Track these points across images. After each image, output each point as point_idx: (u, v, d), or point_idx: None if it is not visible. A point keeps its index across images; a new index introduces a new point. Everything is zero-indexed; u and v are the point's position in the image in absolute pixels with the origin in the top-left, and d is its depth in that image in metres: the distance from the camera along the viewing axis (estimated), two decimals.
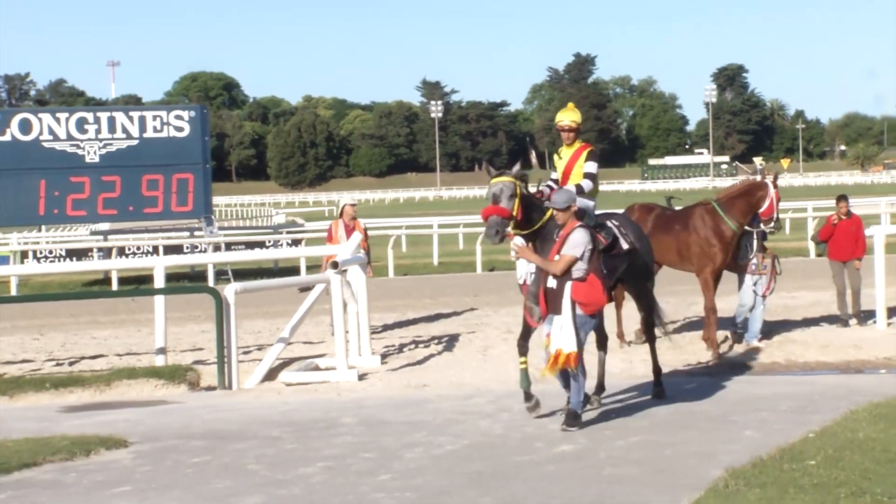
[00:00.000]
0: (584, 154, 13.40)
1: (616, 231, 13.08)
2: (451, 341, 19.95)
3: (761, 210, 17.88)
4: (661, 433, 11.73)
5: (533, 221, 12.41)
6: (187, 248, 40.50)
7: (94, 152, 33.84)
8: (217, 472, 10.65)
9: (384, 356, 18.31)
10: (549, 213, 12.32)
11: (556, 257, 11.81)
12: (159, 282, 19.07)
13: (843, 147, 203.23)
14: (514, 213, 12.14)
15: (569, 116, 13.49)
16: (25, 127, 33.55)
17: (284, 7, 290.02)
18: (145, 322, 20.63)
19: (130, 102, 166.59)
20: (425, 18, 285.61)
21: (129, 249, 40.93)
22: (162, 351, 18.26)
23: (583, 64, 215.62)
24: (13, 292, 34.69)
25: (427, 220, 56.15)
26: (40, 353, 21.15)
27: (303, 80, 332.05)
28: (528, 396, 12.78)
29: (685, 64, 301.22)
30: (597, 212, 13.58)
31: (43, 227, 48.15)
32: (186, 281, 36.12)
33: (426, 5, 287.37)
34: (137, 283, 32.28)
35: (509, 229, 12.34)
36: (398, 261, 39.80)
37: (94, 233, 42.64)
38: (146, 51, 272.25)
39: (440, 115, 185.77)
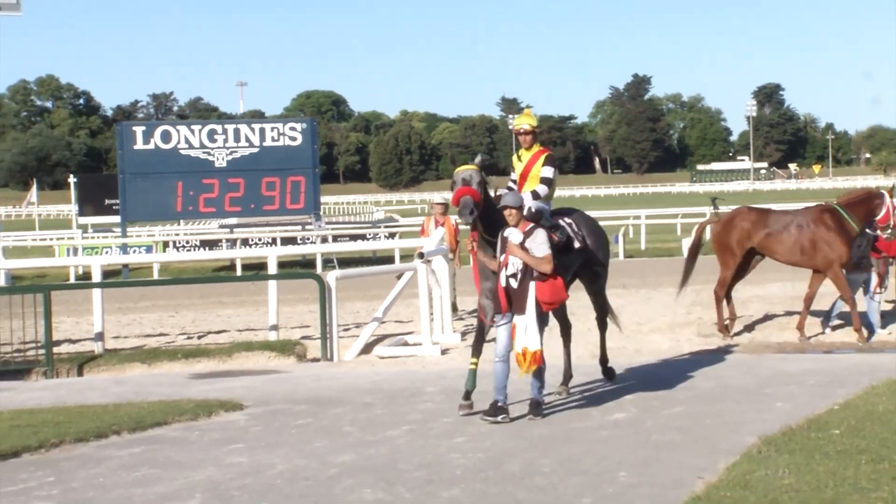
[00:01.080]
0: (542, 158, 12.23)
1: (569, 230, 12.10)
2: None
3: (878, 217, 17.44)
4: (701, 404, 11.59)
5: (495, 220, 11.26)
6: (300, 239, 40.71)
7: (223, 159, 34.42)
8: (317, 433, 10.71)
9: (463, 334, 18.28)
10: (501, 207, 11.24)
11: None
12: (272, 269, 19.35)
13: (867, 155, 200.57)
14: (482, 198, 11.16)
15: (526, 121, 12.37)
16: (166, 137, 34.27)
17: (386, 34, 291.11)
18: (261, 303, 20.73)
19: (255, 117, 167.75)
20: (505, 43, 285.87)
21: (251, 241, 41.25)
22: (274, 328, 18.37)
23: (640, 83, 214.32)
24: (155, 276, 35.03)
25: None
26: (175, 328, 21.38)
27: (400, 97, 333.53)
28: (468, 395, 11.53)
29: (729, 83, 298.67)
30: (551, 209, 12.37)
31: (180, 221, 48.66)
32: (298, 268, 36.30)
33: (506, 33, 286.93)
34: (257, 270, 32.41)
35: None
36: None
37: (222, 226, 43.02)
38: (269, 72, 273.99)
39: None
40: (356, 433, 10.59)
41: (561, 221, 12.09)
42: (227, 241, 40.24)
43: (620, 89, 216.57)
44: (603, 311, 13.39)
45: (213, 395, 12.98)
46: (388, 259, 35.95)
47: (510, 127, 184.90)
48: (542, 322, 10.95)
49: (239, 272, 34.87)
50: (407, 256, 31.32)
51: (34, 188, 67.40)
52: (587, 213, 13.71)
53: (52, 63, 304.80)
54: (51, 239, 49.51)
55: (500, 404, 10.92)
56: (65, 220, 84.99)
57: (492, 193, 11.66)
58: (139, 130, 35.02)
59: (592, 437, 10.14)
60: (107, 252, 36.17)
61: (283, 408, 12.16)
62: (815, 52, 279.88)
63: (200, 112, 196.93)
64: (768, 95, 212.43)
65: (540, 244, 10.82)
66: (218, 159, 34.50)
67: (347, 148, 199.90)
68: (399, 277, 18.77)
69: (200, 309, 24.59)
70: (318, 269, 33.48)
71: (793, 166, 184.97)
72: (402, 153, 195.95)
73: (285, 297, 19.97)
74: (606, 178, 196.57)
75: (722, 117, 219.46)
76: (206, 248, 39.82)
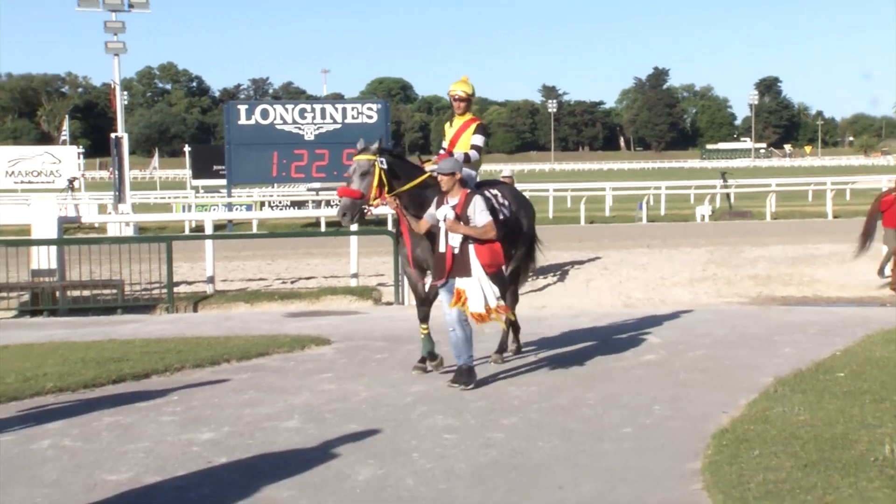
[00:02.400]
0: (473, 126, 10.49)
1: (494, 201, 10.18)
2: (562, 275, 19.66)
3: None
4: (720, 348, 11.32)
5: (416, 196, 9.78)
6: None
7: (311, 133, 34.67)
8: (393, 366, 10.57)
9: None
10: (422, 177, 9.85)
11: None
12: (353, 226, 19.19)
13: (851, 138, 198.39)
14: (369, 192, 9.52)
15: (461, 87, 10.54)
16: (265, 115, 34.63)
17: (446, 28, 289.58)
18: (343, 254, 20.62)
19: (336, 98, 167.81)
20: (547, 38, 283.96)
21: (333, 202, 41.15)
22: (355, 275, 18.29)
23: (659, 74, 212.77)
24: (254, 230, 35.13)
25: (543, 185, 55.45)
26: (271, 274, 21.36)
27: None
28: (433, 356, 10.25)
29: (735, 75, 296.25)
30: (477, 181, 10.61)
31: (275, 184, 48.71)
32: (374, 226, 36.23)
33: (548, 29, 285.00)
34: (338, 226, 32.35)
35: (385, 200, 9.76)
36: None
37: (309, 189, 42.86)
38: (348, 61, 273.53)
39: (554, 110, 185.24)
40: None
41: (486, 192, 10.22)
42: (314, 201, 40.13)
43: (643, 79, 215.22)
44: (515, 287, 11.20)
45: (305, 331, 12.87)
46: None
47: (548, 110, 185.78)
48: (498, 281, 9.44)
49: (323, 228, 34.83)
50: None
51: (156, 156, 67.97)
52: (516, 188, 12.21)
53: (171, 51, 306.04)
54: (169, 198, 49.84)
55: (465, 366, 9.47)
56: (180, 182, 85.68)
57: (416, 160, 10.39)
58: (243, 109, 35.36)
59: (628, 375, 9.93)
60: (214, 209, 36.31)
61: (364, 343, 12.03)
62: (808, 50, 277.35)
63: (291, 94, 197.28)
64: (768, 86, 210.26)
65: (480, 212, 9.28)
66: (307, 133, 34.74)
67: (412, 126, 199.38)
68: None
69: (292, 258, 24.57)
70: (389, 227, 33.38)
71: (787, 147, 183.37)
72: None
73: (363, 249, 19.84)
74: (630, 154, 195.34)
75: (728, 104, 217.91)
76: (296, 208, 39.70)
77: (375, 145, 9.78)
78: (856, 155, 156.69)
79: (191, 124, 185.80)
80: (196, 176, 48.97)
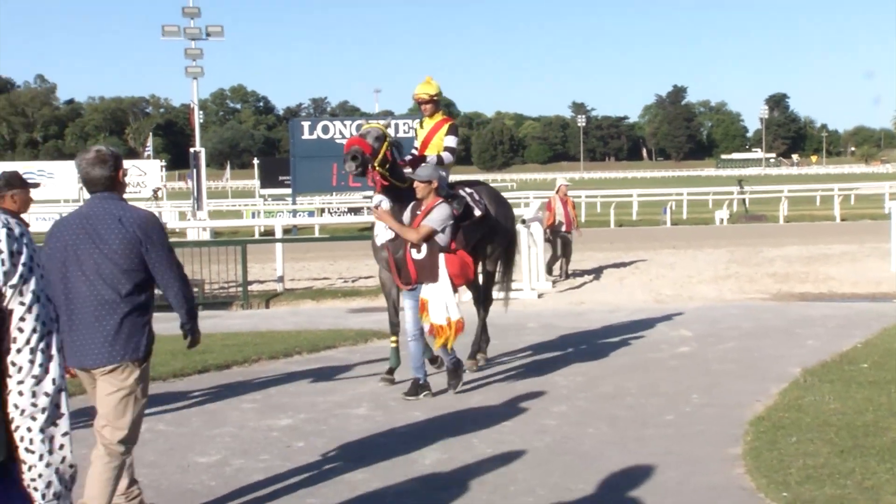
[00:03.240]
0: (446, 127, 9.46)
1: (469, 199, 9.21)
2: (598, 273, 19.36)
3: None
4: (747, 340, 11.06)
5: (400, 180, 8.71)
6: None
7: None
8: None
9: (554, 282, 17.85)
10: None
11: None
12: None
13: (853, 148, 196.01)
14: (381, 153, 8.51)
15: (423, 90, 9.43)
16: (325, 130, 34.60)
17: (484, 51, 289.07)
18: None
19: (388, 114, 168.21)
20: (577, 59, 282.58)
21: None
22: None
23: (678, 91, 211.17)
24: (316, 234, 35.11)
25: (575, 192, 54.91)
26: (334, 273, 21.25)
27: (495, 100, 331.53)
28: (390, 371, 9.10)
29: (747, 92, 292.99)
30: (452, 180, 9.74)
31: (334, 193, 48.76)
32: None
33: (578, 51, 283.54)
34: None
35: (383, 200, 8.74)
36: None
37: (365, 197, 42.81)
38: (397, 81, 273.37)
39: (583, 124, 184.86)
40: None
41: (461, 191, 9.28)
42: (368, 208, 40.12)
43: (663, 96, 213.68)
44: (488, 288, 10.18)
45: (367, 325, 12.74)
46: None
47: (578, 124, 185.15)
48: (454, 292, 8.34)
49: None
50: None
51: (228, 168, 68.26)
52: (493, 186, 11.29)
53: (241, 74, 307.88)
54: (240, 205, 50.06)
55: (420, 382, 8.48)
56: (249, 191, 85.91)
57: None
58: (306, 125, 35.38)
59: (665, 365, 9.71)
60: (280, 215, 36.37)
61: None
62: (813, 68, 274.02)
63: (347, 111, 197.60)
64: (777, 102, 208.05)
65: (431, 220, 8.16)
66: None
67: None
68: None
69: (352, 259, 24.40)
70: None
71: (795, 156, 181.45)
72: (496, 143, 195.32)
73: None
74: (651, 164, 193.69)
75: (741, 118, 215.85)
76: (353, 214, 39.70)
77: (385, 121, 9.28)
78: (857, 163, 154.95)
79: (258, 139, 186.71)
80: (263, 185, 49.16)
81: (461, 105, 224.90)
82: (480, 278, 10.04)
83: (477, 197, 9.42)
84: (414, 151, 9.55)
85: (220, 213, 47.39)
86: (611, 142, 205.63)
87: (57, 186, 49.61)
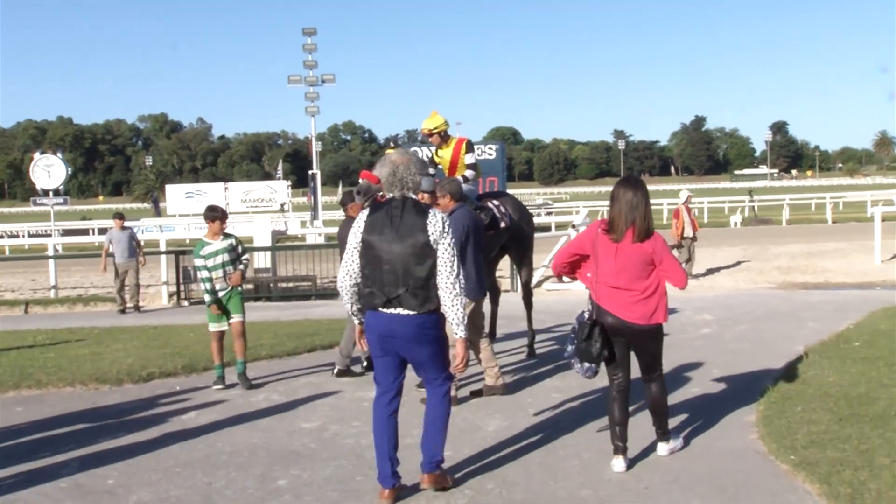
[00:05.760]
0: (464, 147, 8.61)
1: (495, 211, 8.40)
2: None
3: None
4: (759, 323, 10.53)
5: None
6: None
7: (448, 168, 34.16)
8: (502, 338, 9.92)
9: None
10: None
11: None
12: None
13: (840, 165, 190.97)
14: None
15: (426, 125, 8.56)
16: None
17: (541, 88, 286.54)
18: None
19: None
20: (618, 92, 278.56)
21: None
22: None
23: (700, 120, 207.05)
24: None
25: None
26: None
27: (552, 127, 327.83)
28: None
29: (755, 120, 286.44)
30: (480, 192, 8.92)
31: None
32: None
33: (619, 86, 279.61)
34: None
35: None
36: None
37: None
38: (473, 114, 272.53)
39: (623, 147, 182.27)
40: (540, 339, 9.77)
41: (489, 203, 8.47)
42: None
43: (687, 124, 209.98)
44: (529, 287, 9.21)
45: None
46: (545, 228, 35.08)
47: (619, 147, 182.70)
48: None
49: None
50: (561, 226, 30.41)
51: (340, 187, 68.72)
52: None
53: (350, 111, 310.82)
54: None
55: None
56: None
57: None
58: None
59: (691, 345, 9.24)
60: None
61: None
62: (808, 102, 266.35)
63: (426, 142, 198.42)
64: (779, 128, 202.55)
65: (456, 231, 6.82)
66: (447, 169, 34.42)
67: (520, 161, 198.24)
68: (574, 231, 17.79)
69: None
70: None
71: (794, 171, 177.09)
72: (553, 164, 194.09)
73: None
74: (678, 178, 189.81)
75: (750, 141, 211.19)
76: None
77: (413, 150, 8.14)
78: (844, 177, 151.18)
79: (364, 163, 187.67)
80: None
81: (525, 133, 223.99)
82: (519, 286, 9.41)
83: (503, 209, 8.61)
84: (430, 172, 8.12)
85: (333, 222, 47.61)
86: (645, 161, 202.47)
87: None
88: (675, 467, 5.15)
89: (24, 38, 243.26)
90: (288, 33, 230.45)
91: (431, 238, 4.57)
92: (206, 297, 7.82)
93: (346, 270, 4.77)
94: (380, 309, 4.61)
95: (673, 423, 6.08)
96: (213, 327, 7.84)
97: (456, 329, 4.66)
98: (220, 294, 7.80)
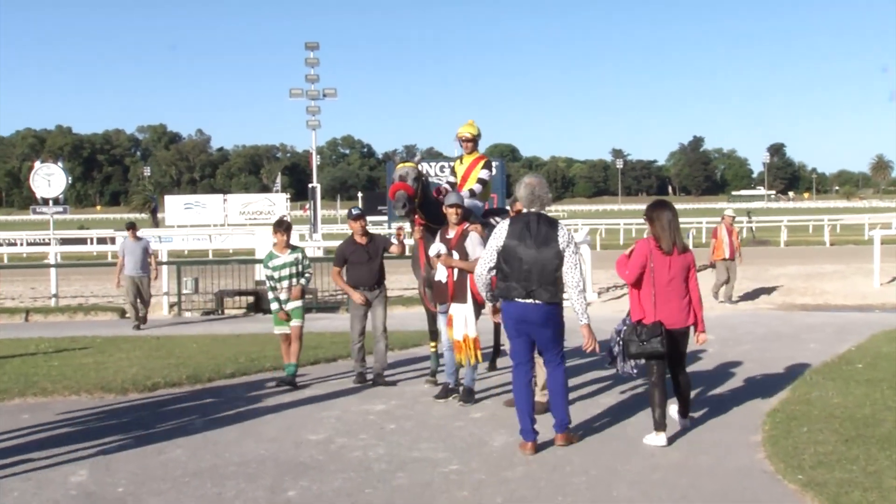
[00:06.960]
0: (481, 163, 8.68)
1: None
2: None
3: None
4: (761, 343, 10.59)
5: (431, 207, 7.99)
6: None
7: (447, 183, 34.21)
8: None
9: (599, 293, 17.44)
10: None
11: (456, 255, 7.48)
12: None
13: (837, 187, 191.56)
14: (419, 192, 7.85)
15: (467, 130, 8.73)
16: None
17: (539, 109, 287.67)
18: None
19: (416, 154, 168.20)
20: (617, 112, 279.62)
21: None
22: None
23: (697, 141, 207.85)
24: (407, 252, 35.03)
25: (615, 220, 54.34)
26: (413, 283, 21.03)
27: (550, 146, 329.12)
28: (433, 374, 8.42)
29: (752, 142, 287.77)
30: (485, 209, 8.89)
31: None
32: None
33: (618, 105, 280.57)
34: None
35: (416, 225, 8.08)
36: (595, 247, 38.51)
37: None
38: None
39: (621, 166, 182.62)
40: None
41: (492, 220, 8.28)
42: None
43: (685, 144, 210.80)
44: None
45: None
46: None
47: (617, 166, 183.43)
48: (478, 312, 7.44)
49: None
50: None
51: (338, 200, 68.75)
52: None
53: (349, 125, 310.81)
54: (347, 229, 50.20)
55: (450, 387, 7.70)
56: None
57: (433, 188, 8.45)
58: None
59: (693, 364, 9.21)
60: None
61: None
62: (804, 124, 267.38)
63: (432, 155, 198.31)
64: (776, 150, 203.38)
65: (475, 245, 7.39)
66: (444, 183, 34.40)
67: (518, 178, 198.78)
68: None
69: None
70: None
71: (791, 193, 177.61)
72: (551, 181, 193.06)
73: None
74: (676, 198, 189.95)
75: (747, 162, 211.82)
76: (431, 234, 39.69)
77: (417, 158, 8.64)
78: (840, 199, 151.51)
79: (362, 177, 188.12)
80: (366, 214, 49.49)
81: (523, 150, 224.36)
82: None
83: None
84: (447, 184, 8.83)
85: (332, 235, 47.69)
86: (643, 180, 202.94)
87: (208, 213, 51.24)
88: (682, 485, 5.17)
89: (24, 47, 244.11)
90: (287, 47, 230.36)
91: (561, 246, 5.83)
92: (273, 305, 8.64)
93: (487, 265, 5.98)
94: (517, 299, 5.78)
95: (680, 441, 6.14)
96: (278, 330, 8.68)
97: (581, 317, 6.02)
98: (286, 303, 8.60)
